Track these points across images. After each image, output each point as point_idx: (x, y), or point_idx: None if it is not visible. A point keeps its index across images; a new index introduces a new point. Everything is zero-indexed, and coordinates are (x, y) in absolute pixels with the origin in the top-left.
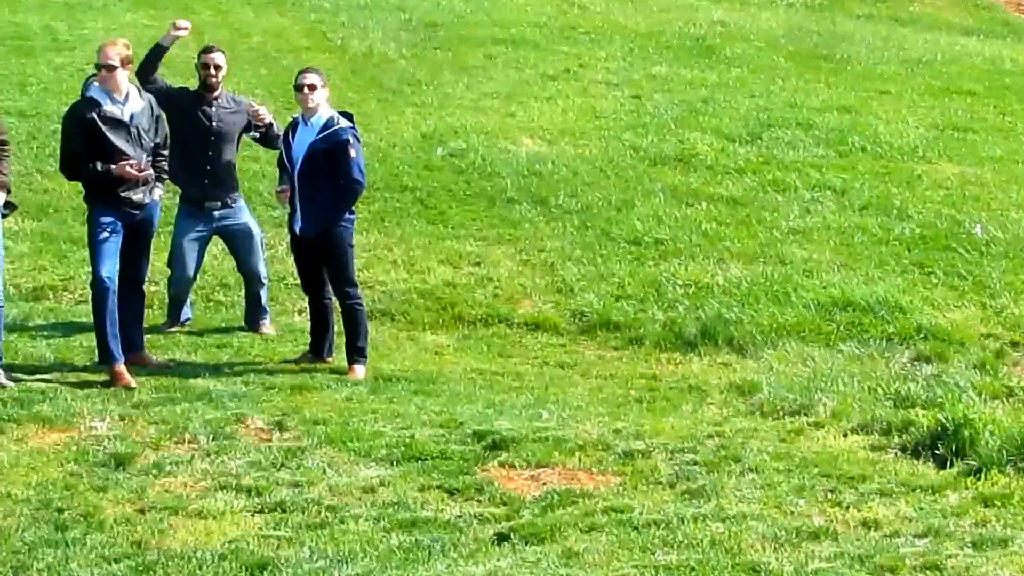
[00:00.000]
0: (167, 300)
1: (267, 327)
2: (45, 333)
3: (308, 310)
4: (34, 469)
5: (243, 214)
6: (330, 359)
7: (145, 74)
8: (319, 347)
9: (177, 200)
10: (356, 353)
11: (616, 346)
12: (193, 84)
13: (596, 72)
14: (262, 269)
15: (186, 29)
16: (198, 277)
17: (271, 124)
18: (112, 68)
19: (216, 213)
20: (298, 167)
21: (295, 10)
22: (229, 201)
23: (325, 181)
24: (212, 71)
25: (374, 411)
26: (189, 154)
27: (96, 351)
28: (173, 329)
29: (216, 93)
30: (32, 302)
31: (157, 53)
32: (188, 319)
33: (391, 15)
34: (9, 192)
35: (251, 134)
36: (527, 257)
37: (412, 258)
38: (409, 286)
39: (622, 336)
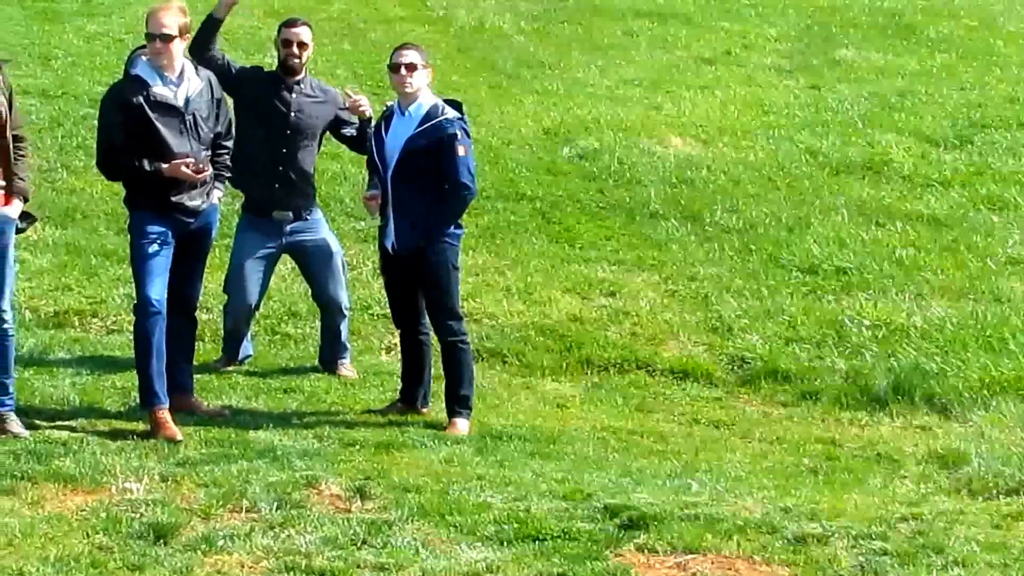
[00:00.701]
0: (222, 332)
1: (347, 368)
2: (69, 369)
3: (399, 348)
4: (53, 540)
5: (320, 228)
6: (425, 410)
7: (200, 51)
8: (412, 395)
9: (238, 208)
10: (458, 403)
11: (785, 402)
12: (266, 63)
13: (764, 55)
14: (343, 296)
15: None
16: (261, 304)
17: (369, 119)
18: (167, 39)
19: (287, 227)
20: (392, 168)
21: None
22: (303, 211)
23: (425, 186)
24: (295, 49)
25: (480, 477)
26: (257, 151)
27: (136, 392)
28: (229, 368)
29: (299, 77)
30: (53, 330)
31: (211, 27)
32: (248, 356)
33: None
34: (27, 200)
35: (344, 131)
36: (674, 287)
37: (530, 285)
38: (526, 320)
39: (793, 389)
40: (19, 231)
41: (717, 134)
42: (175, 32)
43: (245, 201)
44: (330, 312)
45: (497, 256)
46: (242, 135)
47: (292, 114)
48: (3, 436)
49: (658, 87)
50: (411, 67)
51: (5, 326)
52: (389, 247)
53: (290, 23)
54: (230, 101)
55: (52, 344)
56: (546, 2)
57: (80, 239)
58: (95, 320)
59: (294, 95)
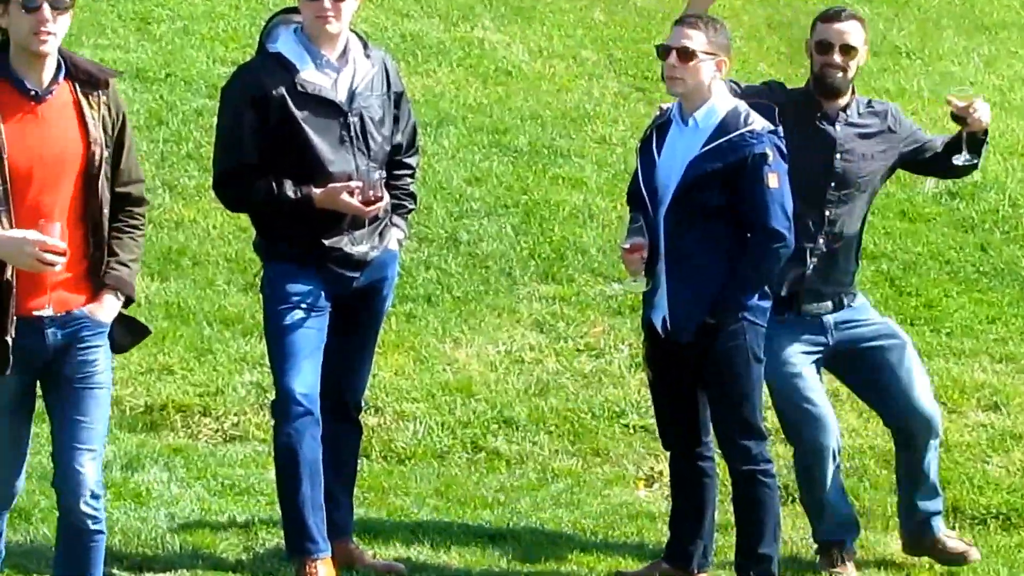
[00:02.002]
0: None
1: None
2: (166, 495)
3: (669, 479)
4: None
5: (870, 314)
6: (700, 569)
7: None
8: (684, 551)
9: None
10: (751, 566)
11: None
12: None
13: None
14: (933, 407)
15: None
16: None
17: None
18: None
19: (828, 319)
20: (666, 205)
21: None
22: (845, 297)
23: (715, 232)
24: (835, 57)
25: None
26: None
27: (273, 534)
28: None
29: (843, 101)
30: (144, 434)
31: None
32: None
33: None
34: (130, 300)
35: (958, 160)
36: None
37: None
38: (861, 442)
39: None
40: (120, 349)
41: None
42: None
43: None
44: (916, 435)
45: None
46: None
47: (837, 156)
48: None
49: None
50: (687, 54)
51: (89, 518)
52: (658, 325)
53: (831, 15)
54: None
55: (141, 455)
56: None
57: (187, 298)
58: (206, 420)
59: (838, 127)
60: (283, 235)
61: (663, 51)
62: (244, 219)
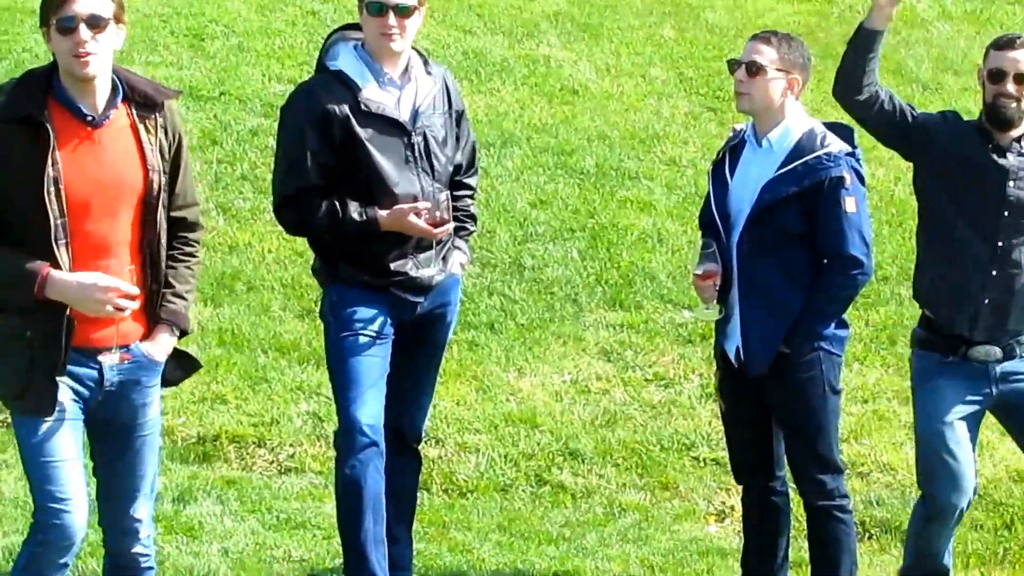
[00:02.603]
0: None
1: None
2: (219, 528)
3: (741, 514)
4: None
5: None
6: None
7: (852, 88)
8: None
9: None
10: None
11: None
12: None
13: None
14: None
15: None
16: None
17: None
18: (406, 12)
19: (996, 369)
20: (739, 230)
21: None
22: (1018, 345)
23: (790, 258)
24: (1009, 87)
25: None
26: (956, 250)
27: (330, 569)
28: None
29: (1019, 131)
30: (196, 465)
31: (868, 46)
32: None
33: None
34: (185, 332)
35: None
36: None
37: None
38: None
39: None
40: (168, 383)
41: None
42: (415, 1)
43: (921, 332)
44: None
45: (899, 374)
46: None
47: (1010, 183)
48: None
49: None
50: (756, 68)
51: (138, 549)
52: (732, 355)
53: (1004, 43)
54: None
55: (193, 488)
56: None
57: (242, 324)
58: (261, 452)
59: (1011, 156)
60: (346, 259)
61: (733, 66)
62: (300, 243)
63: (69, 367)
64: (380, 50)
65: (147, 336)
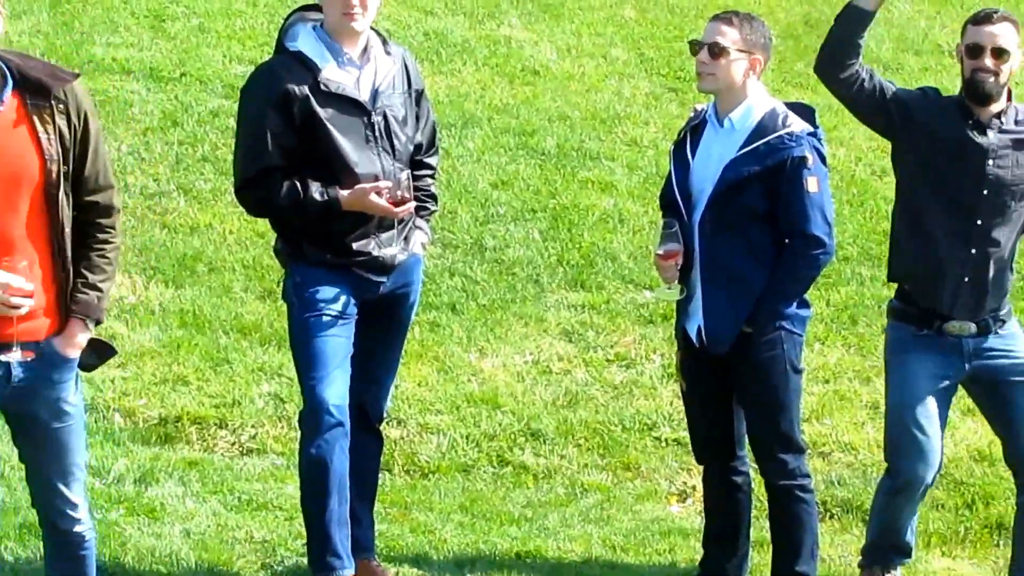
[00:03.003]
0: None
1: None
2: (180, 509)
3: (703, 494)
4: None
5: (1019, 344)
6: None
7: (837, 65)
8: (718, 568)
9: (886, 318)
10: None
11: None
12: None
13: None
14: None
15: None
16: None
17: None
18: None
19: (969, 345)
20: (701, 209)
21: None
22: (994, 322)
23: (752, 238)
24: (987, 61)
25: None
26: (931, 226)
27: (293, 550)
28: None
29: (998, 107)
30: (158, 447)
31: (857, 24)
32: None
33: None
34: (98, 322)
35: None
36: None
37: None
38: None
39: None
40: (84, 369)
41: None
42: None
43: (898, 304)
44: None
45: (860, 353)
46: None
47: (990, 162)
48: None
49: None
50: (718, 50)
51: (77, 528)
52: (693, 335)
53: (981, 18)
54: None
55: (155, 469)
56: None
57: (203, 305)
58: (223, 433)
59: (991, 134)
60: (309, 239)
61: (695, 47)
62: (262, 224)
63: None
64: (341, 29)
65: (60, 330)
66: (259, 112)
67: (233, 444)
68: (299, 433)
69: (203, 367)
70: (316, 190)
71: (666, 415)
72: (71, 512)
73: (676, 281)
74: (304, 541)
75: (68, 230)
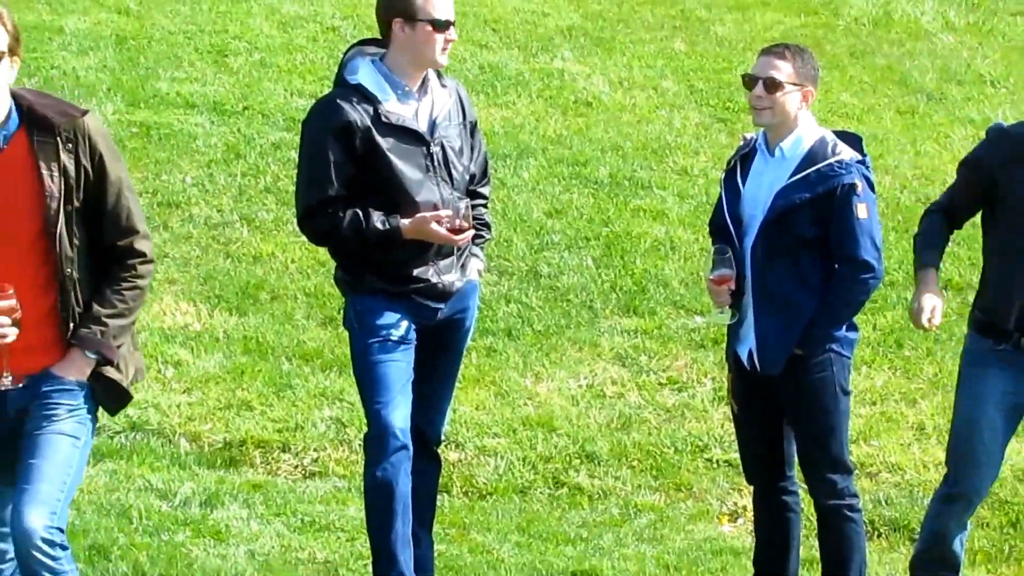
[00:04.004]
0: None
1: None
2: (246, 531)
3: (752, 514)
4: None
5: None
6: None
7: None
8: None
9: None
10: None
11: None
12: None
13: None
14: None
15: None
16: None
17: None
18: (441, 26)
19: None
20: (753, 236)
21: None
22: None
23: (802, 263)
24: None
25: None
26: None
27: (370, 571)
28: None
29: None
30: (222, 470)
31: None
32: None
33: None
34: (107, 359)
35: None
36: None
37: None
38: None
39: None
40: (110, 411)
41: None
42: (444, 16)
43: (980, 315)
44: None
45: (906, 376)
46: None
47: None
48: None
49: None
50: (774, 84)
51: (41, 566)
52: (744, 359)
53: None
54: None
55: (220, 492)
56: None
57: (266, 332)
58: (286, 456)
59: None
60: (369, 267)
61: (749, 81)
62: (323, 253)
63: None
64: (426, 63)
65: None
66: (321, 143)
67: (296, 467)
68: (362, 456)
69: (266, 392)
70: (378, 219)
71: (717, 437)
72: (37, 536)
73: (728, 306)
74: (365, 562)
75: (75, 268)
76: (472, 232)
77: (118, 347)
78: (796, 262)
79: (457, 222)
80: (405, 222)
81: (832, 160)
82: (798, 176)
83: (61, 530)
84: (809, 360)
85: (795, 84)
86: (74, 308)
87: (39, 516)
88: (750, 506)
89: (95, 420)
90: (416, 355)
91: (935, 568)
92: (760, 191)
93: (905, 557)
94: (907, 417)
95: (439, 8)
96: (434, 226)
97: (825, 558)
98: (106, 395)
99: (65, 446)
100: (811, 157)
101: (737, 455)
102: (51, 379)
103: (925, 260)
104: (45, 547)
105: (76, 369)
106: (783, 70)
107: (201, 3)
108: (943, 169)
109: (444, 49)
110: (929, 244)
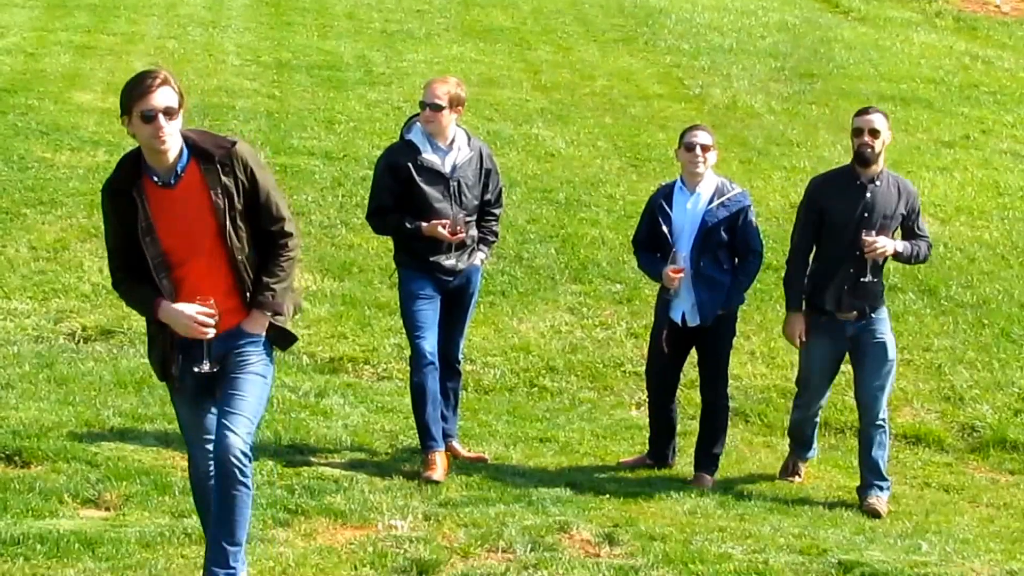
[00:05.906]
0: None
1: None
2: (342, 411)
3: (650, 414)
4: (323, 571)
5: (883, 327)
6: (672, 463)
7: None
8: (662, 452)
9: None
10: (710, 461)
11: (1013, 469)
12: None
13: (1001, 140)
14: (880, 407)
15: None
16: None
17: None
18: (438, 108)
19: (851, 328)
20: (687, 242)
21: (647, 51)
22: (870, 311)
23: (720, 256)
24: (866, 138)
25: (721, 529)
26: (831, 256)
27: (403, 435)
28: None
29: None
30: (329, 375)
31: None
32: (813, 454)
33: (760, 62)
34: (277, 312)
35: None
36: (909, 356)
37: (773, 350)
38: (768, 383)
39: (1020, 458)
40: (279, 347)
41: (954, 213)
42: (445, 103)
43: (807, 302)
44: (862, 419)
45: (743, 322)
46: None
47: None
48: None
49: (899, 167)
50: (706, 148)
51: (236, 468)
52: (677, 319)
53: (863, 111)
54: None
55: (327, 388)
56: (796, 84)
57: (356, 291)
58: (367, 367)
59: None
60: (406, 251)
61: (689, 146)
62: (389, 242)
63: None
64: (429, 130)
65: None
66: (381, 174)
67: (373, 374)
68: (408, 368)
69: (356, 328)
70: (409, 222)
71: (629, 358)
72: (236, 448)
73: (674, 289)
74: (413, 431)
75: (244, 254)
76: (463, 236)
77: (282, 302)
78: (716, 256)
79: (456, 228)
80: (424, 225)
81: (733, 193)
82: (714, 203)
83: (250, 445)
84: (727, 316)
85: (714, 148)
86: (248, 281)
87: (239, 433)
88: (646, 402)
89: (274, 360)
90: (441, 307)
91: (798, 452)
92: (686, 215)
93: (742, 431)
94: (744, 347)
95: (426, 95)
96: (439, 229)
97: (705, 433)
98: (278, 338)
99: (259, 383)
100: (719, 190)
101: (642, 368)
102: (242, 334)
103: (795, 304)
104: (241, 456)
105: (258, 325)
106: (710, 140)
107: (318, 92)
108: (765, 199)
109: (428, 122)
110: (797, 289)
